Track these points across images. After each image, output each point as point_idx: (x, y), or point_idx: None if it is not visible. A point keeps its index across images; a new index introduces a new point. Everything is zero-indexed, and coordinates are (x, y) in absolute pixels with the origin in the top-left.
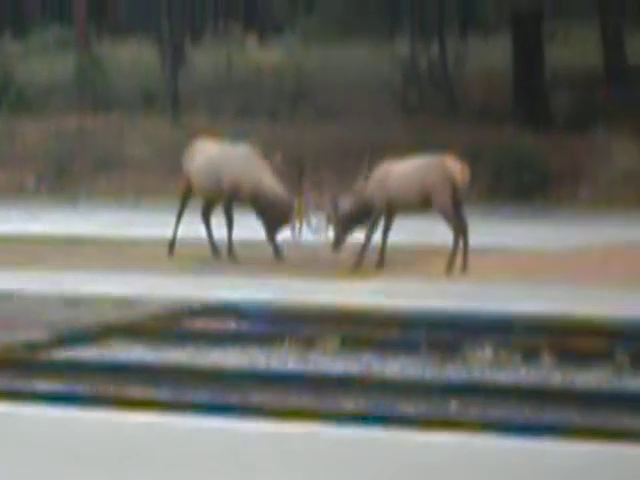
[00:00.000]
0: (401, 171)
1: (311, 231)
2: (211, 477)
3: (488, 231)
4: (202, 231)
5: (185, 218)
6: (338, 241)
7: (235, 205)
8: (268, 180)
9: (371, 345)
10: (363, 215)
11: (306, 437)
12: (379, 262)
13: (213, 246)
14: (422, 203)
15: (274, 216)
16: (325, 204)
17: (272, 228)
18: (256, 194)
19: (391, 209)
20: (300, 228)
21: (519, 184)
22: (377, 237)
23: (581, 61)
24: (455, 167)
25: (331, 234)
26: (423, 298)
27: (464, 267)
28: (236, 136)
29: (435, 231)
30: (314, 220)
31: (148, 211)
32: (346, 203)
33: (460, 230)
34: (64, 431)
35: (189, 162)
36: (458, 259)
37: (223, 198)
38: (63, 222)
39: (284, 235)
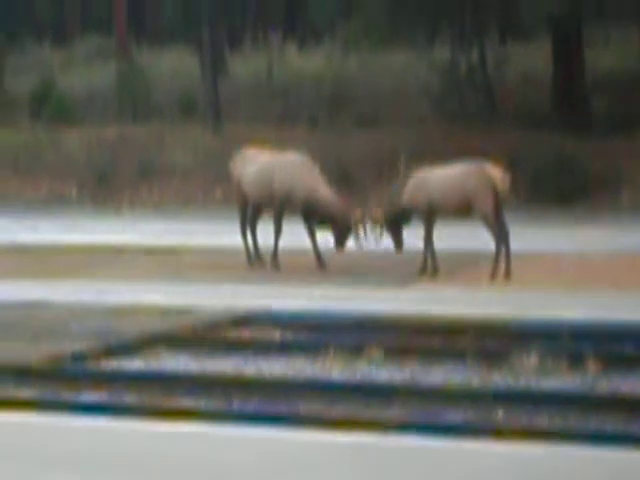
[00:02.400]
0: (441, 176)
1: (365, 240)
2: None
3: (530, 237)
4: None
5: (228, 227)
6: (398, 242)
7: (287, 214)
8: (323, 188)
9: (416, 353)
10: (401, 220)
11: (352, 447)
12: (422, 269)
13: (258, 254)
14: (463, 209)
15: (335, 225)
16: (372, 210)
17: (338, 237)
18: (310, 202)
19: (431, 214)
20: (364, 236)
21: (560, 189)
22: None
23: (622, 64)
24: (496, 173)
25: (383, 240)
26: (467, 305)
27: (507, 274)
28: (277, 143)
29: (477, 238)
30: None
31: (190, 220)
32: (387, 207)
33: (502, 236)
34: (111, 442)
35: (240, 170)
36: (501, 266)
37: (274, 206)
38: (106, 231)
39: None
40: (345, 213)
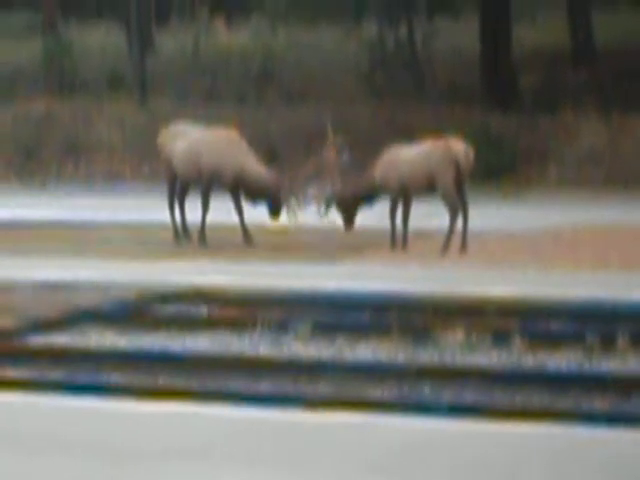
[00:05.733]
0: (410, 155)
1: (298, 215)
2: (180, 465)
3: None
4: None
5: (155, 202)
6: (350, 222)
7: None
8: (253, 164)
9: (343, 330)
10: (367, 198)
11: (278, 423)
12: (392, 244)
13: (186, 231)
14: (428, 186)
15: (269, 199)
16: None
17: (273, 210)
18: (241, 178)
19: (406, 193)
20: (295, 211)
21: (487, 165)
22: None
23: (548, 42)
24: (459, 148)
25: (335, 216)
26: (394, 281)
27: (463, 248)
28: (204, 119)
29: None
30: (316, 203)
31: (117, 195)
32: (350, 186)
33: (459, 212)
34: (35, 418)
35: (170, 146)
36: (455, 241)
37: (202, 182)
38: (32, 207)
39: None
40: (277, 187)
